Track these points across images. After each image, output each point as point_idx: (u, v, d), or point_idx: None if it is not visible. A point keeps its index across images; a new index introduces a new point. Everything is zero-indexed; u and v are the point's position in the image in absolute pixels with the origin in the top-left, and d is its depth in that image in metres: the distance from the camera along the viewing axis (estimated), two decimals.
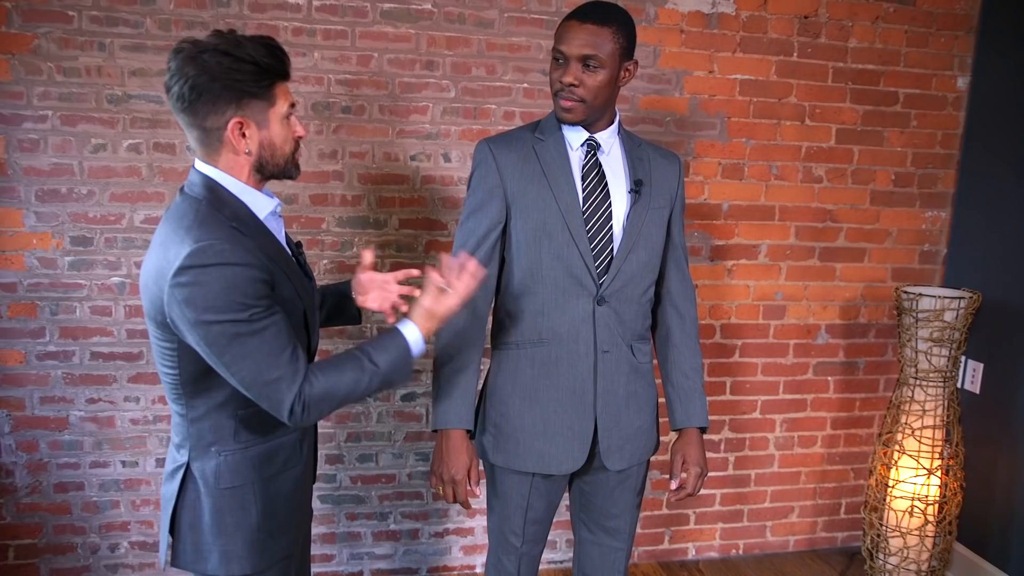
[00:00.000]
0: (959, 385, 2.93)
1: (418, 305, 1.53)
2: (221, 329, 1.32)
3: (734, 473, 3.09)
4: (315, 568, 2.83)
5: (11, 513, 2.63)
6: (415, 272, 1.75)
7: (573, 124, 1.73)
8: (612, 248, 1.74)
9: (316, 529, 2.80)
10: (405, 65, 2.60)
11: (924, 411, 2.71)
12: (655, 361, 1.96)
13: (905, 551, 2.77)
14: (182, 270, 1.31)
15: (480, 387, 1.87)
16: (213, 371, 1.41)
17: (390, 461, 2.82)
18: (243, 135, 1.41)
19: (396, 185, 2.66)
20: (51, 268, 2.51)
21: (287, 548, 1.56)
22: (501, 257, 1.82)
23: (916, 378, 2.72)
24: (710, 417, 2.94)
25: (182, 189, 1.46)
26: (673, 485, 1.83)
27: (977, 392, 2.89)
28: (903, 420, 2.75)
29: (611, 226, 1.74)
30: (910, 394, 2.74)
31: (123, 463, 2.65)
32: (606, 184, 1.75)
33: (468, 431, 1.78)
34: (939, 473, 2.73)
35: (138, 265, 2.55)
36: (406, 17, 2.57)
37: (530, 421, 1.80)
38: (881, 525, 2.83)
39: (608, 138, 1.78)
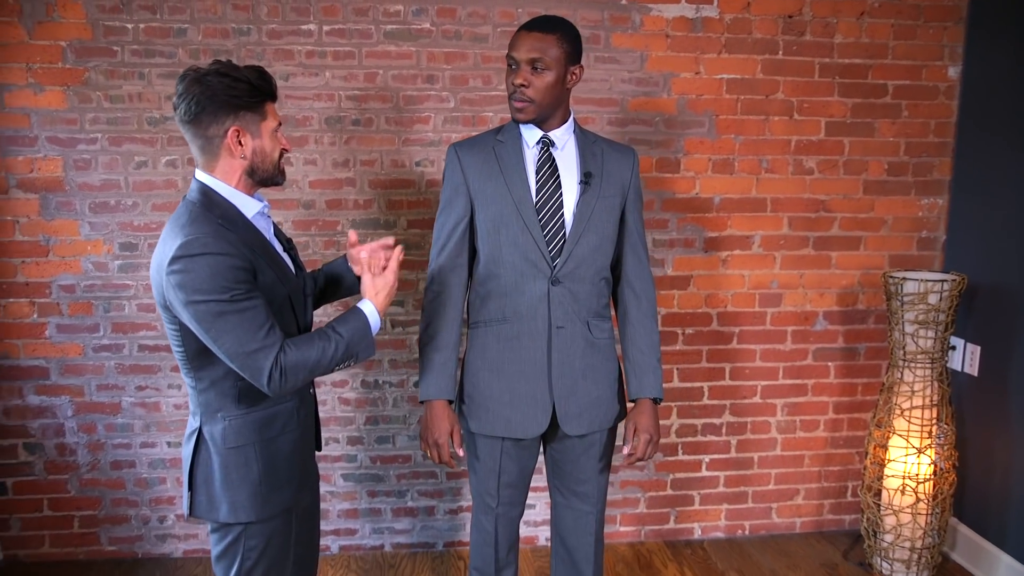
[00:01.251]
0: (958, 367, 2.99)
1: (365, 286, 1.78)
2: (207, 308, 1.56)
3: (737, 456, 3.22)
4: (341, 541, 3.10)
5: (75, 487, 2.99)
6: (391, 240, 1.92)
7: (526, 123, 1.94)
8: (564, 234, 1.94)
9: (340, 505, 3.07)
10: (408, 80, 2.85)
11: (913, 392, 2.79)
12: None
13: (898, 529, 2.85)
14: (175, 260, 1.57)
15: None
16: None
17: (406, 443, 3.07)
18: (240, 142, 1.66)
19: (403, 189, 2.92)
20: (103, 271, 2.86)
21: (288, 501, 1.79)
22: (473, 246, 2.04)
23: (904, 360, 2.80)
24: (712, 401, 3.12)
25: (184, 197, 1.73)
26: (625, 450, 2.01)
27: (975, 375, 2.95)
28: (894, 401, 2.84)
29: (562, 214, 1.94)
30: (899, 375, 2.82)
31: (168, 444, 2.98)
32: (558, 177, 1.96)
33: (449, 401, 2.00)
34: (929, 452, 2.80)
35: None
36: (407, 36, 2.82)
37: (497, 391, 2.01)
38: (876, 504, 2.92)
39: (562, 135, 1.98)
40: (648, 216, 3.01)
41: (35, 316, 2.87)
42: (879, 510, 2.91)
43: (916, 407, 2.79)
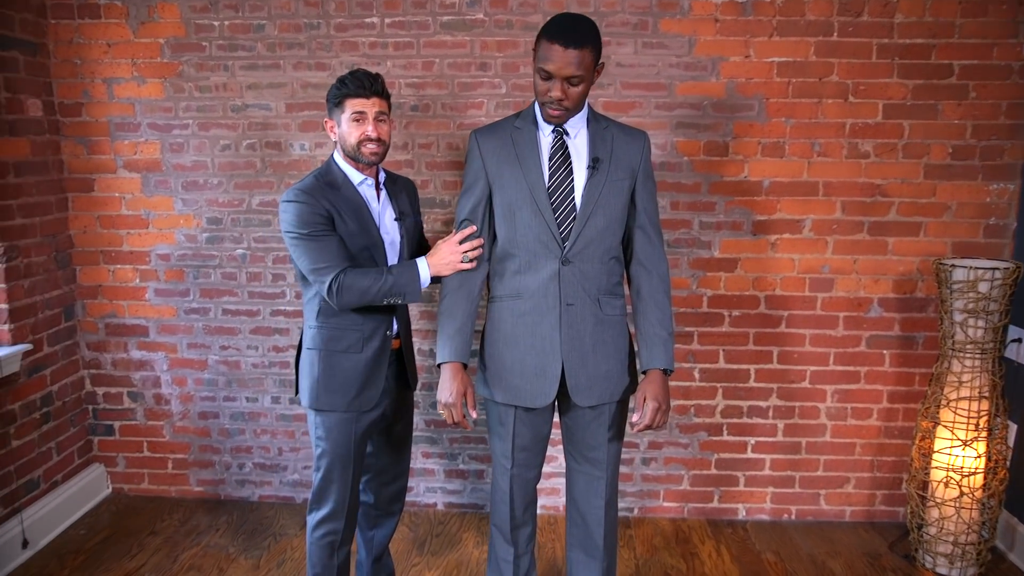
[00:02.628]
0: (1014, 358, 2.87)
1: (432, 249, 2.21)
2: (290, 238, 2.18)
3: (784, 440, 3.22)
4: None
5: (169, 433, 3.38)
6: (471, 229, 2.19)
7: (559, 125, 2.07)
8: (575, 216, 2.06)
9: None
10: (462, 67, 3.03)
11: (960, 383, 2.72)
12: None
13: (941, 522, 2.79)
14: (280, 203, 2.20)
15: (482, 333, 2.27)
16: None
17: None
18: (332, 130, 2.24)
19: (458, 171, 3.10)
20: (193, 243, 3.21)
21: (339, 406, 2.24)
22: (492, 227, 2.20)
23: (953, 349, 2.73)
24: (759, 383, 3.16)
25: None
26: (634, 418, 2.11)
27: None
28: (941, 392, 2.77)
29: (573, 198, 2.07)
30: (947, 365, 2.75)
31: (247, 399, 3.32)
32: (570, 163, 2.08)
33: (464, 365, 2.17)
34: (977, 445, 2.72)
35: (256, 240, 3.19)
36: (462, 27, 3.00)
37: (510, 362, 2.16)
38: (921, 496, 2.86)
39: (575, 124, 2.10)
40: (694, 199, 3.06)
41: (137, 281, 3.27)
42: (923, 502, 2.86)
43: (963, 398, 2.71)
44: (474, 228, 2.15)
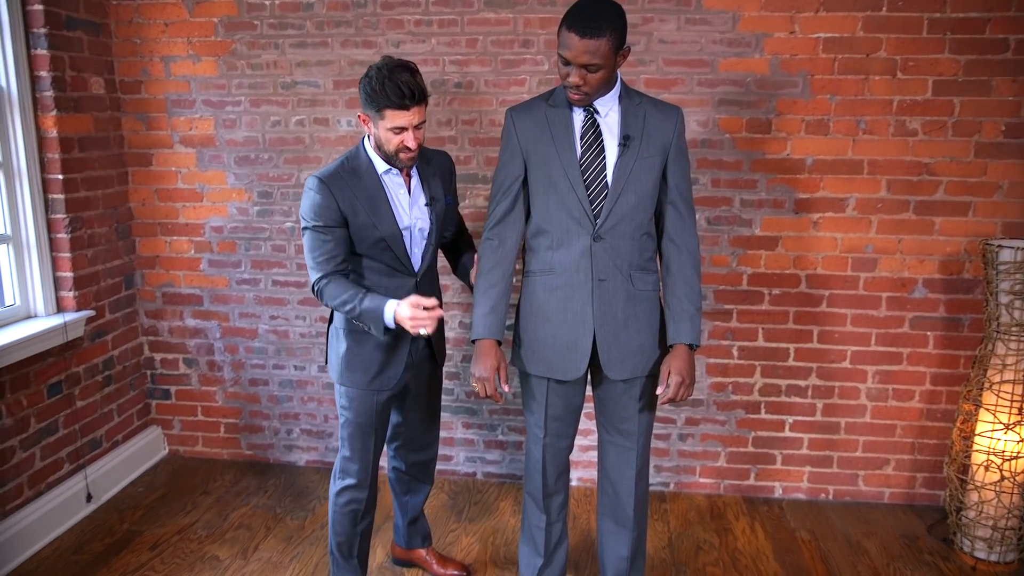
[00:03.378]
0: None
1: (402, 301, 2.15)
2: (303, 224, 2.23)
3: (822, 419, 3.21)
4: (438, 466, 3.44)
5: (222, 398, 3.54)
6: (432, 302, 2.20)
7: (587, 106, 2.10)
8: (606, 193, 2.10)
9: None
10: (505, 45, 3.06)
11: (1004, 365, 2.68)
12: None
13: (980, 506, 2.76)
14: (305, 186, 2.23)
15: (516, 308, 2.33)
16: None
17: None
18: (367, 124, 2.20)
19: (499, 147, 3.14)
20: (244, 216, 3.33)
21: (360, 384, 2.31)
22: (527, 203, 2.24)
23: (998, 332, 2.69)
24: (798, 362, 3.17)
25: None
26: (659, 391, 2.15)
27: None
28: (985, 374, 2.73)
29: (605, 175, 2.10)
30: (991, 348, 2.71)
31: (295, 367, 3.45)
32: (601, 141, 2.10)
33: (498, 342, 2.23)
34: (1021, 429, 2.68)
35: None
36: (505, 4, 3.03)
37: (543, 335, 2.22)
38: (961, 480, 2.83)
39: (607, 102, 2.12)
40: (736, 176, 3.05)
41: (192, 252, 3.41)
42: (963, 486, 2.83)
43: (1007, 381, 2.67)
44: (434, 301, 2.15)
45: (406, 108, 2.08)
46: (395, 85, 2.05)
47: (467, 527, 3.03)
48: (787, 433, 3.25)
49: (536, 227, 2.20)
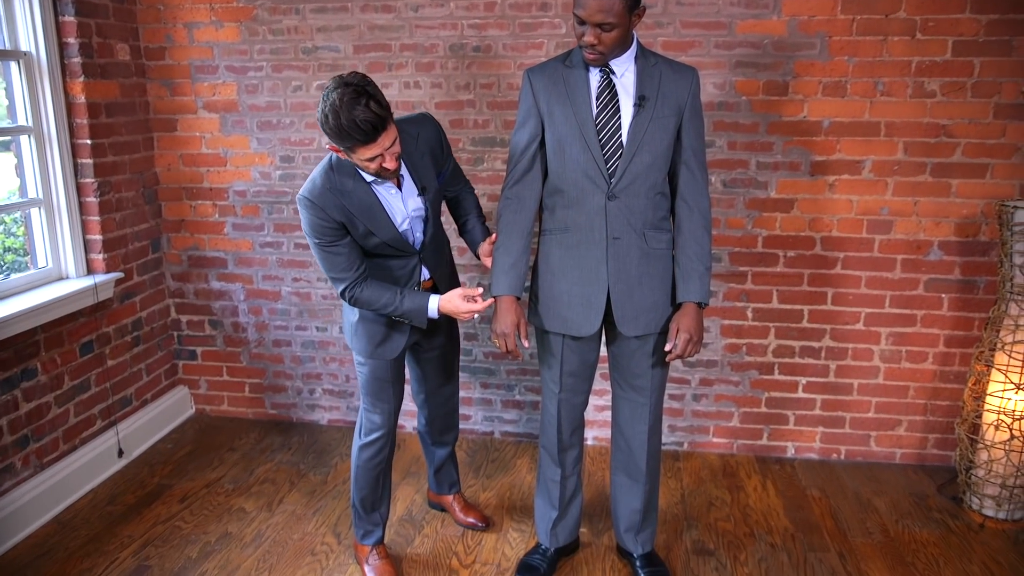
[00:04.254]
0: None
1: (449, 297, 2.25)
2: (309, 241, 2.26)
3: (835, 380, 3.25)
4: None
5: (246, 359, 3.63)
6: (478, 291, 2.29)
7: (602, 66, 2.13)
8: (621, 153, 2.13)
9: None
10: (523, 8, 3.08)
11: (1017, 326, 2.70)
12: None
13: (990, 464, 2.80)
14: (297, 200, 2.23)
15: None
16: None
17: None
18: (338, 152, 2.13)
19: (517, 111, 3.17)
20: (267, 180, 3.40)
21: (367, 351, 2.38)
22: (544, 162, 2.28)
23: (1012, 293, 2.70)
24: (812, 324, 3.21)
25: None
26: (667, 347, 2.20)
27: None
28: (998, 335, 2.76)
29: (620, 135, 2.13)
30: (1004, 308, 2.73)
31: (317, 328, 3.53)
32: (617, 101, 2.14)
33: (517, 298, 2.29)
34: None
35: None
36: None
37: (558, 292, 2.27)
38: (971, 439, 2.87)
39: (623, 63, 2.14)
40: (752, 139, 3.06)
41: (216, 216, 3.48)
42: (973, 445, 2.87)
43: (1019, 342, 2.69)
44: (480, 290, 2.24)
45: (374, 141, 2.01)
46: (354, 124, 1.95)
47: (485, 483, 3.12)
48: (800, 394, 3.30)
49: (552, 186, 2.25)
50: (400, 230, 2.27)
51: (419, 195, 2.29)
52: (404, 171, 2.27)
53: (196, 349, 3.66)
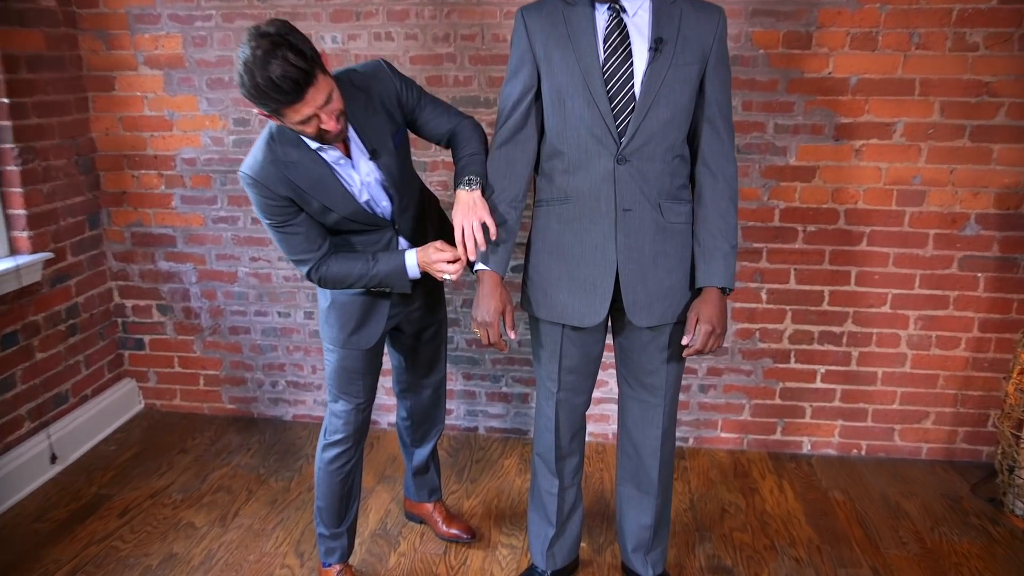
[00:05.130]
0: None
1: (424, 250, 1.91)
2: (263, 221, 1.93)
3: (857, 369, 2.93)
4: None
5: (200, 348, 3.24)
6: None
7: (614, 2, 1.75)
8: (634, 107, 1.76)
9: None
10: None
11: None
12: None
13: None
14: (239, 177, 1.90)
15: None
16: None
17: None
18: (269, 117, 1.72)
19: (505, 65, 2.79)
20: (219, 146, 2.99)
21: (339, 339, 2.07)
22: (541, 119, 1.90)
23: None
24: (833, 307, 2.88)
25: None
26: (685, 340, 1.85)
27: None
28: None
29: (632, 85, 1.76)
30: None
31: (279, 313, 3.15)
32: (629, 44, 1.76)
33: (502, 277, 1.92)
34: None
35: None
36: None
37: (556, 274, 1.91)
38: (1015, 436, 2.57)
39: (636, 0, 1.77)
40: (770, 98, 2.70)
41: (163, 187, 3.07)
42: (1017, 443, 2.56)
43: None
44: (457, 253, 1.87)
45: (300, 99, 1.63)
46: (271, 83, 1.58)
47: (469, 488, 2.77)
48: (818, 384, 2.98)
49: (550, 148, 1.88)
50: (360, 201, 1.92)
51: (369, 159, 1.91)
52: (351, 135, 1.88)
53: (143, 338, 3.27)
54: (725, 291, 1.87)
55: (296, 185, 1.83)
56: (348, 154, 1.89)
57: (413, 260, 1.93)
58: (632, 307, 1.87)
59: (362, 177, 1.91)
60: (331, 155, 1.86)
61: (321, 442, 2.15)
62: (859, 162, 2.74)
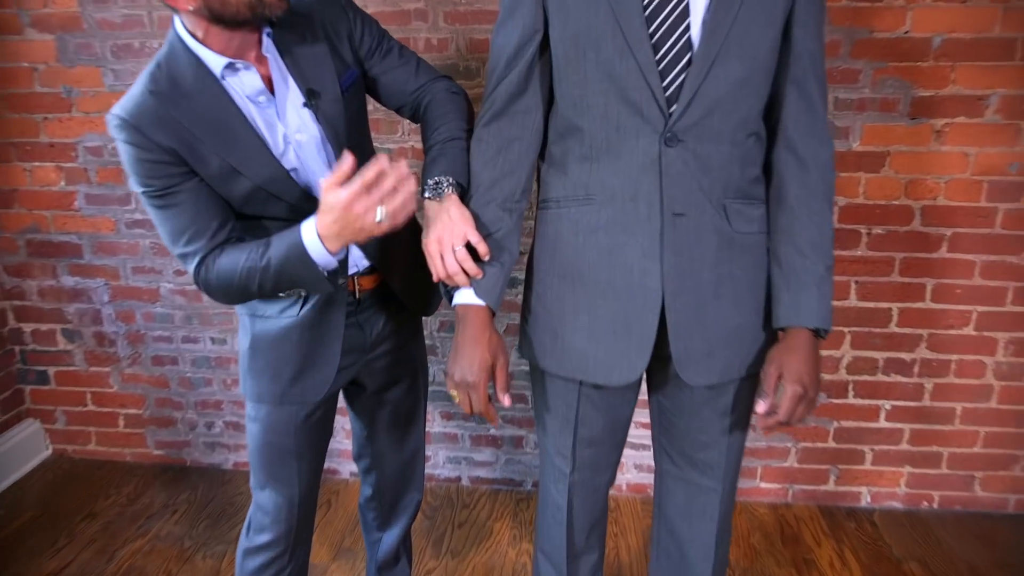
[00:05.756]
0: None
1: (325, 201, 1.19)
2: (137, 191, 1.31)
3: (931, 404, 2.37)
4: None
5: (117, 382, 2.63)
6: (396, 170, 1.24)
7: None
8: (690, 58, 1.17)
9: None
10: None
11: None
12: None
13: None
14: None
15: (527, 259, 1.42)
16: None
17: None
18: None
19: (489, 24, 2.19)
20: None
21: (271, 395, 1.46)
22: (548, 82, 1.31)
23: None
24: (903, 328, 2.31)
25: None
26: (760, 408, 1.26)
27: None
28: None
29: (687, 25, 1.16)
30: None
31: (213, 340, 2.53)
32: None
33: (493, 312, 1.33)
34: None
35: None
36: None
37: (571, 308, 1.31)
38: None
39: None
40: (830, 65, 2.12)
41: (63, 184, 2.45)
42: None
43: None
44: (381, 163, 1.17)
45: None
46: None
47: (449, 565, 2.18)
48: (882, 423, 2.41)
49: (564, 123, 1.28)
50: (285, 162, 1.32)
51: (305, 105, 1.32)
52: (274, 62, 1.31)
53: (47, 370, 2.64)
54: (819, 334, 1.29)
55: (186, 129, 1.25)
56: (272, 90, 1.31)
57: (311, 230, 1.22)
58: (684, 359, 1.28)
59: (290, 132, 1.32)
60: (246, 84, 1.28)
61: (243, 544, 1.55)
62: (941, 147, 2.16)
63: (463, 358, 1.28)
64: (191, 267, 1.32)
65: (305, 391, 1.47)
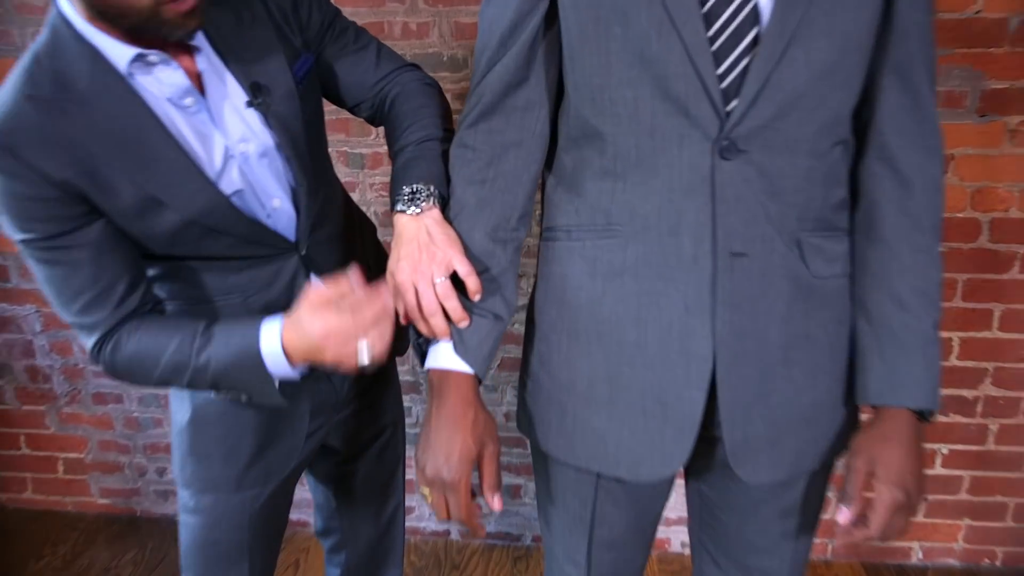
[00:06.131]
0: None
1: (296, 309, 0.96)
2: (13, 238, 0.95)
3: (996, 449, 2.04)
4: None
5: (55, 423, 2.30)
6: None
7: None
8: (756, 35, 0.83)
9: None
10: None
11: None
12: None
13: None
14: None
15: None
16: None
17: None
18: None
19: (478, 6, 1.85)
20: None
21: (222, 482, 1.16)
22: (557, 70, 0.97)
23: None
24: (965, 362, 1.99)
25: None
26: (843, 517, 0.93)
27: None
28: None
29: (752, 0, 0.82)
30: None
31: None
32: None
33: (479, 380, 1.00)
34: None
35: None
36: None
37: (585, 376, 0.97)
38: None
39: None
40: None
41: None
42: None
43: None
44: (351, 283, 0.97)
45: None
46: None
47: None
48: (938, 469, 2.08)
49: (577, 123, 0.94)
50: (221, 186, 0.99)
51: (249, 105, 0.99)
52: (206, 54, 0.97)
53: None
54: (924, 417, 0.95)
55: (82, 148, 0.90)
56: (202, 89, 0.97)
57: (275, 337, 0.96)
58: (740, 450, 0.94)
59: (231, 142, 0.99)
60: (164, 83, 0.95)
61: None
62: (1016, 149, 1.83)
63: (438, 446, 0.95)
64: (88, 342, 1.00)
65: (270, 469, 1.16)
